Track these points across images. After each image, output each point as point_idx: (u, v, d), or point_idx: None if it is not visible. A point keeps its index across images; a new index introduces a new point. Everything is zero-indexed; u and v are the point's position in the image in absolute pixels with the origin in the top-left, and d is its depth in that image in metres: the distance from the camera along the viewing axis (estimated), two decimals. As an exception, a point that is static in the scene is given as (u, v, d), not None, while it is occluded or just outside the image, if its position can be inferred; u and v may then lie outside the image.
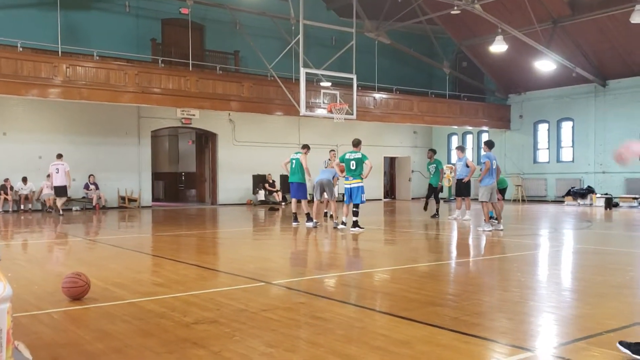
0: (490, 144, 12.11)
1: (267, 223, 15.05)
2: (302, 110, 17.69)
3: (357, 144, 11.88)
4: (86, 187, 19.16)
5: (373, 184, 24.76)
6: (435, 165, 15.75)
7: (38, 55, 16.61)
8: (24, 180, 18.13)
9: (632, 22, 17.96)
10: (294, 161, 12.85)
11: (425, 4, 21.72)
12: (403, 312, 4.65)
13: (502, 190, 13.38)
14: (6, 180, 17.93)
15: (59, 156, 16.48)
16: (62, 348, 3.75)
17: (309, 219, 12.54)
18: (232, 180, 22.46)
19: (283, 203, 21.95)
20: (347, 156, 11.77)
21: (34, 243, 10.56)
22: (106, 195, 19.59)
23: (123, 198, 20.15)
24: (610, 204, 20.30)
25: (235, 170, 22.43)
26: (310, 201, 13.16)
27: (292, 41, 18.80)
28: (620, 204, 21.10)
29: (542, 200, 24.26)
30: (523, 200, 23.99)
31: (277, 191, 22.59)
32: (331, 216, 13.25)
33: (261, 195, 22.49)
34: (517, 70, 24.18)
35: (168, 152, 26.02)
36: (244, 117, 21.76)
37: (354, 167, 11.57)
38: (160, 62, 19.32)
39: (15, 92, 15.88)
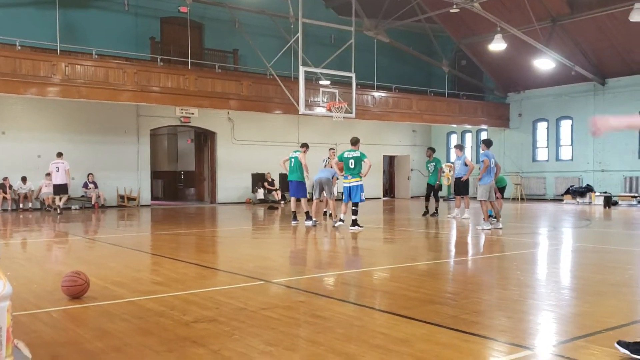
0: (488, 143, 12.11)
1: (266, 222, 15.04)
2: (301, 108, 17.69)
3: (355, 142, 11.88)
4: (85, 185, 19.16)
5: (372, 183, 24.76)
6: (434, 163, 15.76)
7: (37, 54, 16.60)
8: (24, 180, 18.13)
9: (631, 20, 17.98)
10: (292, 160, 12.84)
11: (424, 2, 21.73)
12: (402, 311, 4.65)
13: (501, 189, 13.38)
14: (5, 179, 17.91)
15: (59, 155, 16.48)
16: (61, 347, 3.75)
17: (308, 217, 12.54)
18: (231, 179, 22.46)
19: (282, 202, 21.95)
20: (345, 155, 11.76)
21: (33, 242, 10.55)
22: (105, 194, 19.59)
23: (122, 197, 20.14)
24: (609, 202, 20.30)
25: (235, 168, 22.42)
26: (310, 200, 13.15)
27: (291, 40, 18.79)
28: (619, 202, 21.12)
29: (541, 198, 24.27)
30: (522, 199, 24.01)
31: (276, 190, 22.59)
32: (330, 215, 13.25)
33: (260, 194, 22.49)
34: (516, 69, 24.19)
35: (167, 151, 26.01)
36: (243, 115, 21.75)
37: (352, 166, 11.56)
38: (159, 60, 19.30)
39: (14, 91, 15.87)
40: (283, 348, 3.68)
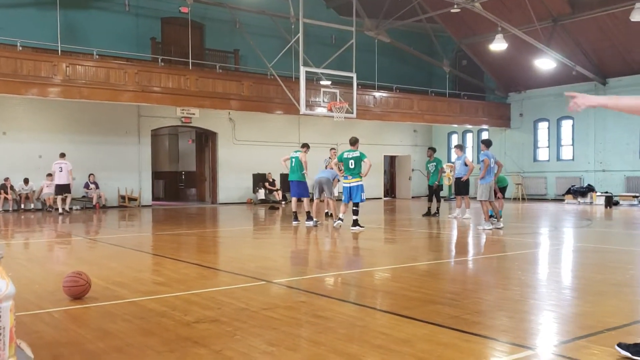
0: (487, 143, 12.11)
1: (267, 222, 15.05)
2: (302, 109, 17.69)
3: (354, 142, 11.84)
4: (86, 186, 19.16)
5: (373, 183, 24.77)
6: (435, 163, 15.76)
7: (38, 55, 16.61)
8: (26, 181, 18.15)
9: (632, 20, 17.98)
10: (293, 159, 12.84)
11: (425, 2, 21.73)
12: (404, 311, 4.66)
13: (502, 189, 13.38)
14: (6, 179, 17.92)
15: (62, 155, 16.56)
16: (63, 347, 3.75)
17: (309, 217, 12.54)
18: (232, 179, 22.46)
19: (283, 202, 21.95)
20: (345, 155, 11.73)
21: (34, 242, 10.56)
22: (106, 194, 19.60)
23: (123, 197, 20.15)
24: (610, 202, 20.30)
25: (235, 169, 22.43)
26: (311, 200, 13.16)
27: (291, 40, 18.79)
28: (621, 202, 21.11)
29: (542, 198, 24.26)
30: (523, 199, 24.00)
31: (277, 190, 22.59)
32: (331, 215, 13.25)
33: (261, 194, 22.50)
34: (517, 69, 24.18)
35: (168, 151, 26.02)
36: (244, 116, 21.76)
37: (352, 166, 11.54)
38: (160, 61, 19.31)
39: (15, 92, 15.89)
40: (285, 348, 3.68)
